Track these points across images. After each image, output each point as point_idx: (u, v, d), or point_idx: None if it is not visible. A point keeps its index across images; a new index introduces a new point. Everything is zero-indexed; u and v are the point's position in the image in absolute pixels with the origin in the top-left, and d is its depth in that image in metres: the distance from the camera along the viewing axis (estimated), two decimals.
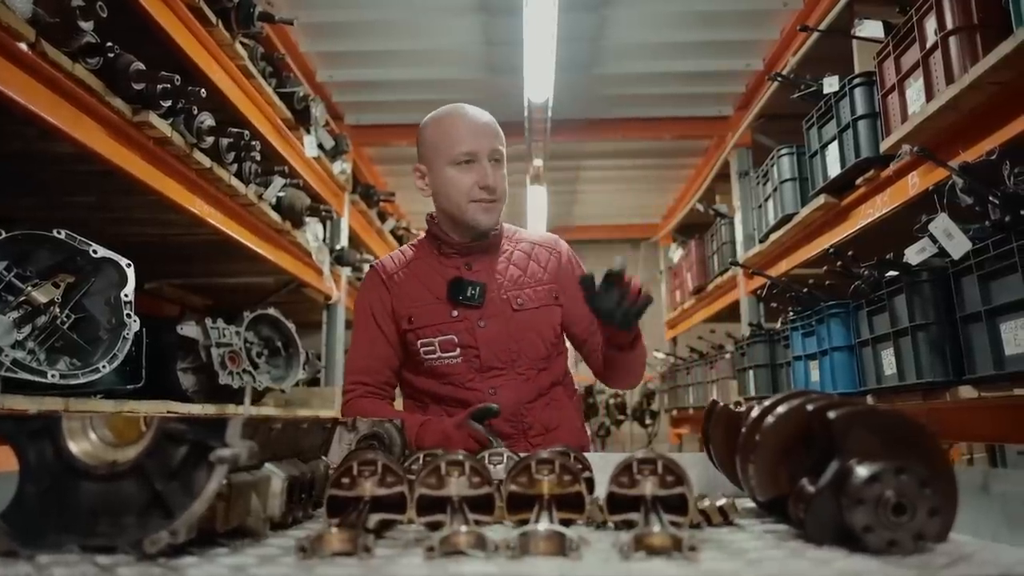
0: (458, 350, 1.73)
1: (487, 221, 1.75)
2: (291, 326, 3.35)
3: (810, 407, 0.78)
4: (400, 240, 6.40)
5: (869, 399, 2.73)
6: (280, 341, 3.37)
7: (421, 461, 1.08)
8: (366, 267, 5.22)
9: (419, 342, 1.75)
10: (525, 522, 0.80)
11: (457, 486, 0.80)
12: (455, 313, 1.74)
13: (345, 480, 0.80)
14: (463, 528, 0.67)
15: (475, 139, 1.73)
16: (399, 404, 1.93)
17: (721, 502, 0.89)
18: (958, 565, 0.62)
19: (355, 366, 1.83)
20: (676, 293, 7.36)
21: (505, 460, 1.09)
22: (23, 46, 1.64)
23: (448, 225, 1.81)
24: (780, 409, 0.82)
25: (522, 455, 0.99)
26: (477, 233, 1.77)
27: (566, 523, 0.80)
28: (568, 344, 1.93)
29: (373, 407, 1.76)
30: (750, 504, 0.99)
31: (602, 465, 1.27)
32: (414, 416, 1.72)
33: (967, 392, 2.17)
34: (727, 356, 5.00)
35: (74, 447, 0.73)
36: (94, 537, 0.69)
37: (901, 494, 0.65)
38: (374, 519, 0.79)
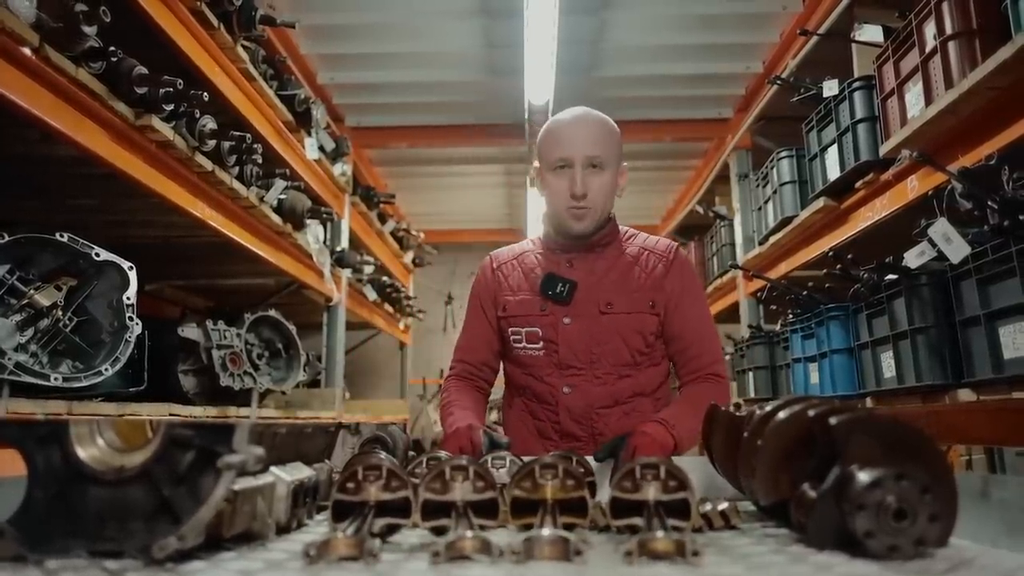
0: (541, 343, 1.77)
1: (579, 228, 1.77)
2: (292, 328, 3.36)
3: (812, 413, 0.79)
4: (400, 242, 6.41)
5: (868, 401, 2.74)
6: (281, 343, 3.37)
7: (424, 465, 1.08)
8: (367, 268, 5.25)
9: (510, 330, 1.81)
10: (529, 526, 0.80)
11: (461, 491, 0.80)
12: (544, 307, 1.78)
13: (350, 485, 0.81)
14: (468, 533, 0.68)
15: (568, 145, 1.75)
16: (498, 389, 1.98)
17: (723, 506, 0.90)
18: (958, 570, 0.63)
19: (459, 345, 1.94)
20: None
21: (508, 464, 1.09)
22: (27, 51, 1.65)
23: (553, 225, 1.87)
24: (782, 414, 0.82)
25: (525, 459, 1.00)
26: (579, 236, 1.80)
27: (569, 527, 0.81)
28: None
29: (454, 395, 1.84)
30: (751, 508, 1.00)
31: (602, 469, 1.27)
32: (455, 422, 1.70)
33: (966, 395, 2.18)
34: (726, 358, 5.00)
35: (82, 452, 0.73)
36: (102, 542, 0.69)
37: (902, 500, 0.66)
38: (379, 524, 0.79)
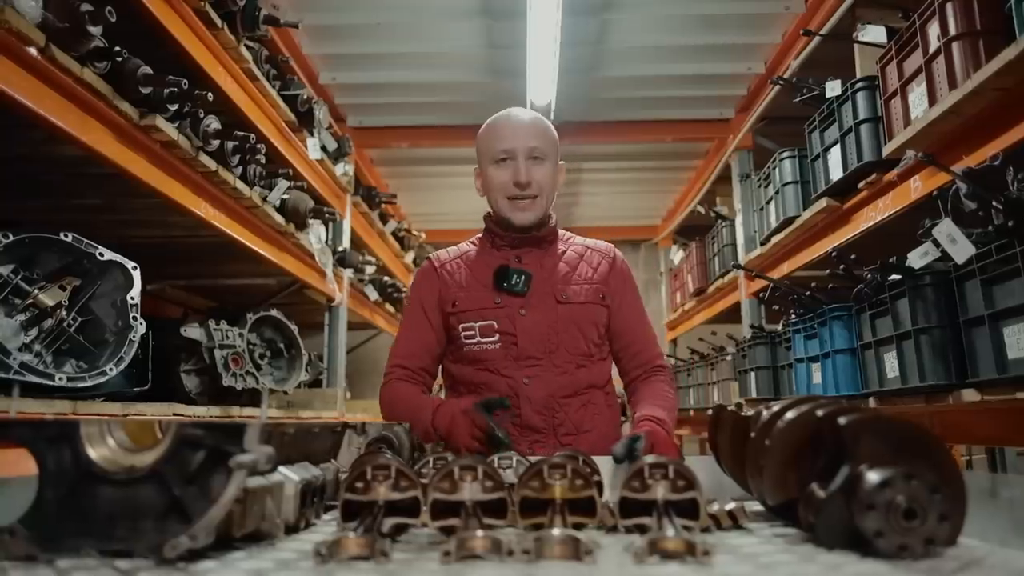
0: (497, 336, 1.77)
1: (522, 218, 1.80)
2: (294, 328, 3.36)
3: (820, 413, 0.79)
4: (401, 242, 6.41)
5: (871, 402, 2.74)
6: (283, 343, 3.38)
7: (431, 464, 1.08)
8: (368, 268, 5.25)
9: (461, 326, 1.80)
10: (537, 526, 0.80)
11: (470, 490, 0.81)
12: (498, 300, 1.79)
13: (359, 484, 0.81)
14: (478, 532, 0.68)
15: (512, 138, 1.80)
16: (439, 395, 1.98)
17: (730, 506, 0.90)
18: (968, 569, 0.63)
19: (397, 351, 1.90)
20: (677, 295, 7.37)
21: (515, 464, 1.10)
22: (33, 51, 1.65)
23: (496, 221, 1.88)
24: (790, 414, 0.82)
25: (532, 459, 1.00)
26: (522, 228, 1.83)
27: (578, 527, 0.81)
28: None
29: (405, 389, 1.82)
30: (758, 508, 1.00)
31: (609, 469, 1.28)
32: (433, 399, 1.75)
33: (970, 395, 2.18)
34: (728, 358, 5.00)
35: (92, 452, 0.73)
36: (112, 542, 0.69)
37: (912, 499, 0.66)
38: (388, 523, 0.79)
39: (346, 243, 4.77)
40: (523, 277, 1.78)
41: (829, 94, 3.18)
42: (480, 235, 1.96)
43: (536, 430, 1.73)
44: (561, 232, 1.95)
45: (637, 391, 1.86)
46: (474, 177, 1.92)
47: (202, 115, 2.37)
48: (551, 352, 1.76)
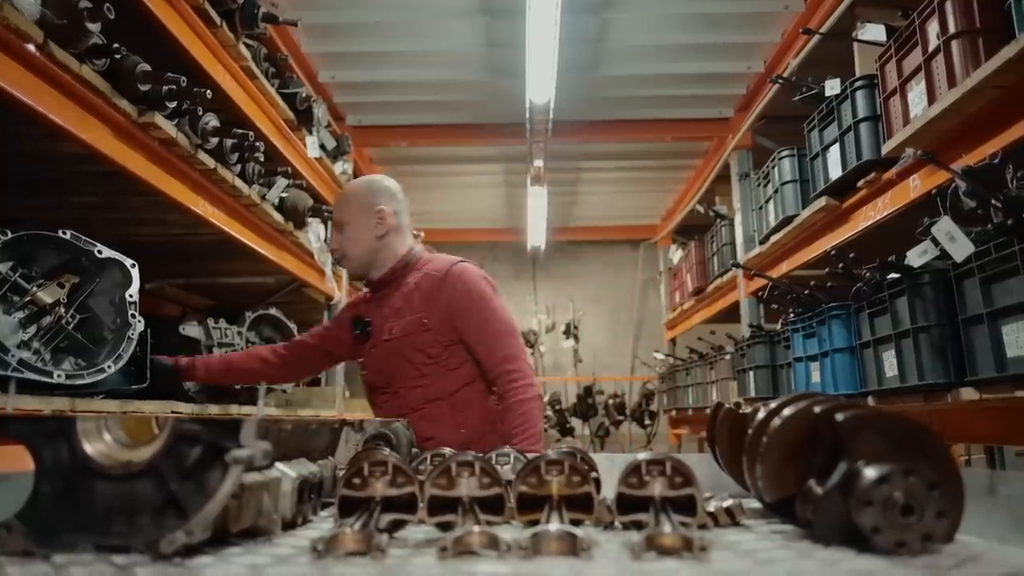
0: (364, 371, 2.22)
1: (349, 273, 2.36)
2: (292, 326, 3.36)
3: (818, 409, 0.79)
4: None
5: (870, 401, 2.74)
6: (281, 341, 3.37)
7: (428, 462, 1.08)
8: None
9: (358, 360, 2.28)
10: (534, 522, 0.80)
11: (468, 487, 0.81)
12: (357, 344, 2.24)
13: (356, 480, 0.81)
14: (475, 528, 0.68)
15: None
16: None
17: (728, 503, 0.90)
18: (966, 566, 0.63)
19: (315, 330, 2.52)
20: (676, 294, 7.37)
21: (512, 461, 1.10)
22: (31, 47, 1.64)
23: None
24: (787, 411, 0.82)
25: (529, 456, 1.00)
26: (363, 280, 2.30)
27: (575, 523, 0.81)
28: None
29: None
30: (756, 505, 1.00)
31: (607, 466, 1.28)
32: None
33: (968, 394, 2.18)
34: (727, 357, 5.01)
35: (89, 448, 0.73)
36: (109, 537, 0.69)
37: (909, 496, 0.66)
38: (385, 519, 0.79)
39: None
40: (362, 324, 2.21)
41: (828, 93, 3.18)
42: None
43: None
44: (423, 257, 2.23)
45: (502, 412, 2.09)
46: None
47: (201, 113, 2.36)
48: (388, 382, 2.13)
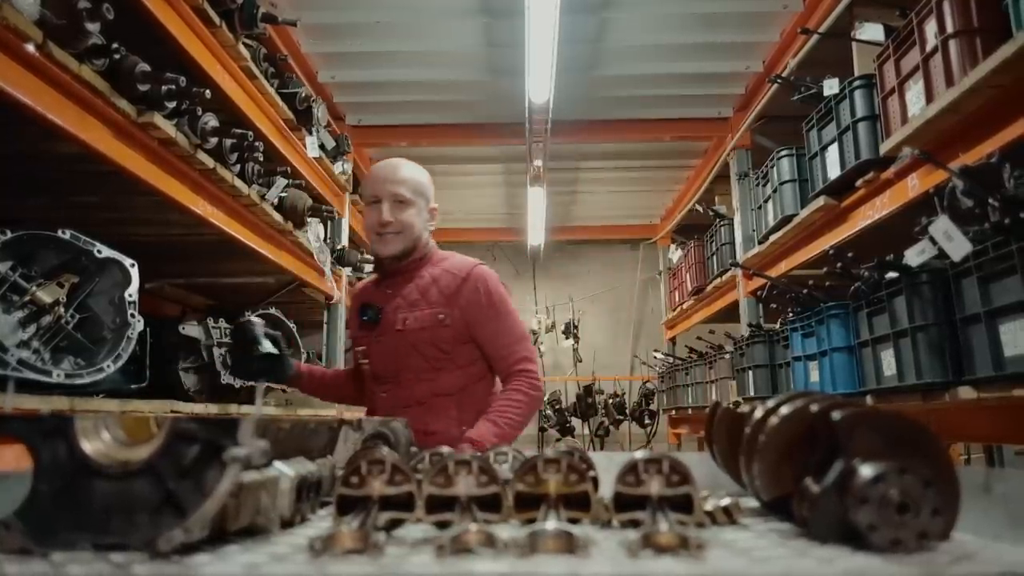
0: (366, 359, 2.15)
1: (383, 250, 2.10)
2: (292, 326, 3.36)
3: (814, 408, 0.79)
4: None
5: (868, 400, 2.74)
6: (281, 341, 3.37)
7: (427, 460, 1.09)
8: (367, 267, 5.26)
9: (355, 348, 2.21)
10: (532, 521, 0.80)
11: (465, 485, 0.81)
12: (363, 330, 2.16)
13: (354, 479, 0.81)
14: (473, 527, 0.68)
15: (379, 185, 2.10)
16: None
17: (725, 502, 0.90)
18: (961, 563, 0.63)
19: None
20: (675, 294, 7.37)
21: (510, 460, 1.10)
22: (30, 47, 1.64)
23: (372, 253, 2.27)
24: (784, 410, 0.83)
25: (528, 455, 1.00)
26: (387, 260, 2.13)
27: (572, 522, 0.81)
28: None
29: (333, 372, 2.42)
30: (753, 504, 1.00)
31: (606, 465, 1.28)
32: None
33: (966, 393, 2.18)
34: (726, 356, 5.01)
35: (87, 446, 0.73)
36: (107, 535, 0.69)
37: (905, 494, 0.66)
38: (383, 518, 0.79)
39: (345, 241, 4.77)
40: (372, 311, 2.13)
41: (827, 92, 3.18)
42: None
43: None
44: (442, 254, 2.19)
45: (500, 393, 2.11)
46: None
47: (200, 113, 2.36)
48: (396, 372, 2.08)
